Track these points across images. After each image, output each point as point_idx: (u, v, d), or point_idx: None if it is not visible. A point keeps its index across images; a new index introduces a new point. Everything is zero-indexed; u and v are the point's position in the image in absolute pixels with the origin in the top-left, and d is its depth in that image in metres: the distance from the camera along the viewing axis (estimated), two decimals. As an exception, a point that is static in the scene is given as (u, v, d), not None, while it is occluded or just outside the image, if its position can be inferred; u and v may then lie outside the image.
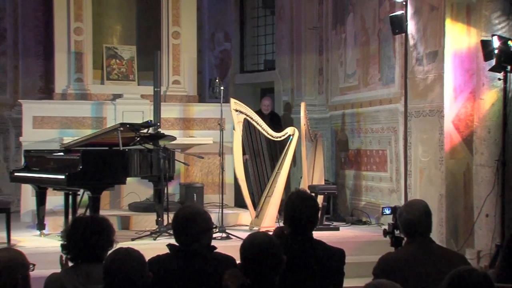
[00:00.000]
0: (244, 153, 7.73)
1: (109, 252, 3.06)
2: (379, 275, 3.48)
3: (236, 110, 7.48)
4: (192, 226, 3.30)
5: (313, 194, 6.73)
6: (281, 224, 3.71)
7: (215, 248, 3.40)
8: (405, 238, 3.74)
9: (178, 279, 3.21)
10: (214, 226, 3.71)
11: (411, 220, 3.62)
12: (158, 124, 8.22)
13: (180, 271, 3.23)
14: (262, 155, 8.02)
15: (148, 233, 6.87)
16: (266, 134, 7.70)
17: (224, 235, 6.84)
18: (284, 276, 3.05)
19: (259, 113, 8.42)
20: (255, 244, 2.99)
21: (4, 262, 2.73)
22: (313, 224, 3.60)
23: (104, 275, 2.81)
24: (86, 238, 3.16)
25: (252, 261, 2.96)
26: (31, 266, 2.85)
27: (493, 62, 6.06)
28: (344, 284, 3.60)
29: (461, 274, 2.51)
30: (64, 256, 3.24)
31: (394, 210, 4.02)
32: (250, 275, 2.96)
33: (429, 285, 3.37)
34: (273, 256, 2.96)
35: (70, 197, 6.96)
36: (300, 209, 3.52)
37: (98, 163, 6.43)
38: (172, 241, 3.45)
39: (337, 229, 7.69)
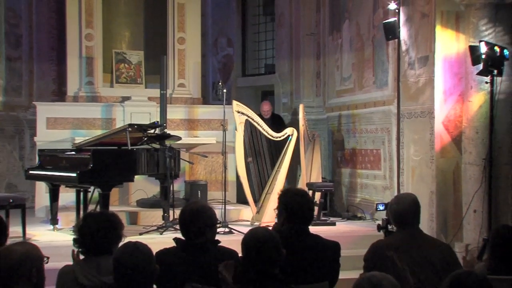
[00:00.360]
0: (248, 156, 7.73)
1: (119, 246, 3.07)
2: (370, 259, 3.50)
3: (238, 112, 7.48)
4: (198, 221, 3.31)
5: (310, 191, 6.76)
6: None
7: (219, 242, 3.41)
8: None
9: (184, 271, 3.22)
10: (218, 221, 3.71)
11: (400, 211, 3.64)
12: (164, 124, 8.24)
13: (185, 264, 3.24)
14: (263, 154, 8.02)
15: (155, 228, 6.87)
16: (266, 134, 7.70)
17: (226, 230, 6.84)
18: (283, 268, 3.06)
19: (260, 116, 8.37)
20: (256, 238, 2.99)
21: (20, 255, 2.74)
22: (310, 218, 3.61)
23: (114, 268, 2.82)
24: (97, 232, 3.16)
25: (253, 254, 2.97)
26: (45, 259, 2.85)
27: (480, 66, 6.05)
28: (340, 276, 3.62)
29: (460, 277, 2.48)
30: (75, 251, 3.26)
31: (387, 206, 4.03)
32: (251, 268, 2.97)
33: (416, 269, 3.38)
34: (273, 249, 2.96)
35: (82, 194, 6.98)
36: (299, 205, 3.53)
37: (108, 162, 6.43)
38: (178, 235, 3.46)
39: (333, 224, 7.69)
